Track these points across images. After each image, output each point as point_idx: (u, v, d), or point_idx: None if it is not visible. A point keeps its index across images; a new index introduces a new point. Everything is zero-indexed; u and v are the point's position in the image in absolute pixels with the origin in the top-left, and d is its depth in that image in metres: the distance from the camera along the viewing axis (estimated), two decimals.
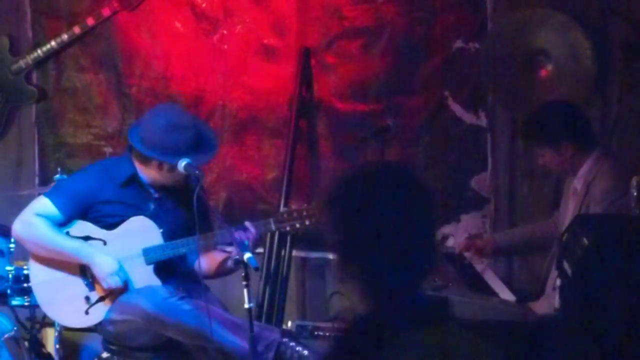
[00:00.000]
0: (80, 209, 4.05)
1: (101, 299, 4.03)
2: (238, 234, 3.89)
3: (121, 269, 4.00)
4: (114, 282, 3.98)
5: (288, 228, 4.10)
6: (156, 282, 4.05)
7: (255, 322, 4.09)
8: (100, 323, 4.06)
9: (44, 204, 4.04)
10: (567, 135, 4.20)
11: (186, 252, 4.05)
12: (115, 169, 4.12)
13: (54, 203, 4.02)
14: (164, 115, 4.05)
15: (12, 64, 5.58)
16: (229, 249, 4.14)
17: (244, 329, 3.77)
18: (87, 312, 4.04)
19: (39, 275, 4.10)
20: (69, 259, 4.03)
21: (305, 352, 3.91)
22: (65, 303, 4.06)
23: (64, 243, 4.01)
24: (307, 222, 4.08)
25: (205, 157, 4.16)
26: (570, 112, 4.29)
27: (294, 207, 4.15)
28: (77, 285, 4.05)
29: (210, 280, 4.25)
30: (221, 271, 4.13)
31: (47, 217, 4.01)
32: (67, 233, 4.05)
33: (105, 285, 4.01)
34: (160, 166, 4.03)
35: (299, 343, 3.98)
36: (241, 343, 3.80)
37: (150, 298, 3.94)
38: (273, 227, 4.09)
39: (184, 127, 4.01)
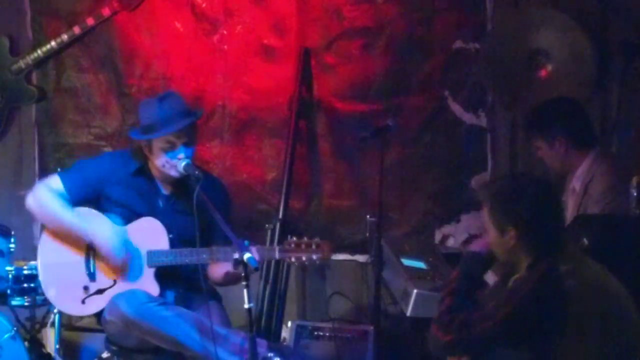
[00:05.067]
0: (88, 193, 4.07)
1: (99, 292, 4.03)
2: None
3: (124, 243, 3.98)
4: (118, 256, 3.97)
5: (293, 259, 3.95)
6: (155, 286, 4.03)
7: (239, 332, 3.98)
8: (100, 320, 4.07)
9: (54, 181, 4.08)
10: (561, 131, 4.22)
11: (189, 263, 4.00)
12: (127, 159, 4.15)
13: (63, 182, 4.06)
14: (146, 102, 4.17)
15: (12, 64, 5.58)
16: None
17: (226, 340, 3.77)
18: (83, 302, 4.03)
19: (46, 256, 4.10)
20: (72, 233, 4.02)
21: None
22: (64, 288, 4.05)
23: (67, 216, 4.01)
24: (314, 257, 3.94)
25: (186, 122, 4.05)
26: (569, 108, 4.30)
27: (305, 238, 3.98)
28: (79, 273, 4.04)
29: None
30: (225, 281, 4.09)
31: (57, 194, 4.04)
32: None
33: (110, 260, 3.99)
34: (162, 146, 4.02)
35: (285, 358, 3.94)
36: (220, 354, 3.76)
37: (129, 301, 3.92)
38: (277, 255, 4.02)
39: (161, 99, 4.07)
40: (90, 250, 4.05)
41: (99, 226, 4.01)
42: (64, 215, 4.02)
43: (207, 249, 3.94)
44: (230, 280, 4.01)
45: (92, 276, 4.04)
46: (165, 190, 4.14)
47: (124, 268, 4.01)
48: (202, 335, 3.83)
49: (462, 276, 3.35)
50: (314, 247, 3.93)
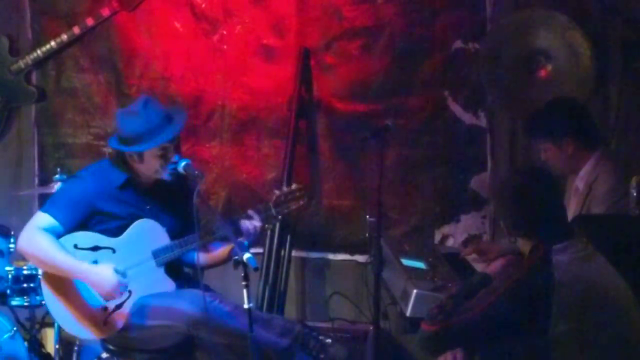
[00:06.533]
0: (80, 217, 4.01)
1: (118, 307, 3.99)
2: (243, 225, 3.98)
3: (122, 275, 3.97)
4: (115, 294, 3.95)
5: (286, 211, 4.15)
6: (170, 283, 4.05)
7: (278, 316, 4.39)
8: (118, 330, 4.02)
9: (44, 219, 3.98)
10: (569, 132, 4.22)
11: (194, 248, 4.04)
12: (110, 173, 4.09)
13: (54, 216, 3.98)
14: (128, 112, 4.09)
15: (12, 64, 5.58)
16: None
17: (273, 325, 3.91)
18: (105, 323, 3.99)
19: (52, 297, 4.03)
20: (68, 276, 3.98)
21: (328, 340, 3.96)
22: (84, 318, 4.00)
23: (62, 261, 3.94)
24: (301, 202, 4.15)
25: (177, 127, 4.07)
26: (574, 109, 4.30)
27: (285, 189, 4.18)
28: (92, 297, 4.00)
29: (206, 278, 4.24)
30: (228, 258, 4.14)
31: (50, 231, 3.97)
32: (76, 246, 4.00)
33: (106, 300, 3.97)
34: (156, 154, 4.01)
35: (320, 333, 4.05)
36: (276, 339, 3.89)
37: (195, 302, 3.91)
38: (273, 211, 4.12)
39: (145, 107, 4.02)
40: None
41: (90, 271, 3.95)
42: (61, 258, 3.93)
43: (205, 230, 4.00)
44: (221, 261, 4.17)
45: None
46: (149, 195, 4.12)
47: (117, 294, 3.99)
48: (253, 322, 3.85)
49: (464, 287, 3.39)
50: (297, 193, 4.17)
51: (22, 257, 4.76)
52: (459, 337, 3.20)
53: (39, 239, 3.95)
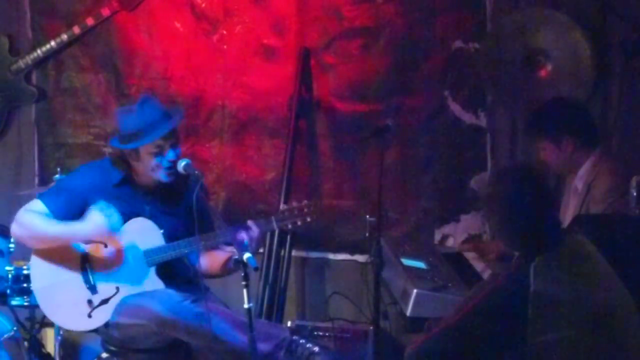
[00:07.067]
0: (73, 208, 4.03)
1: (104, 302, 4.01)
2: (240, 234, 3.92)
3: (113, 223, 3.95)
4: (113, 232, 3.96)
5: (290, 226, 4.10)
6: (159, 284, 4.04)
7: (263, 321, 4.31)
8: (105, 326, 4.03)
9: (35, 205, 4.04)
10: (569, 131, 4.22)
11: (188, 252, 4.05)
12: (108, 171, 4.11)
13: (45, 203, 4.02)
14: (125, 110, 4.14)
15: (11, 64, 5.58)
16: (229, 248, 4.14)
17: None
18: (90, 316, 4.01)
19: (40, 280, 4.07)
20: (64, 243, 4.00)
21: (316, 349, 3.94)
22: (67, 307, 4.03)
23: (54, 227, 3.97)
24: (308, 219, 4.09)
25: (172, 123, 4.07)
26: (574, 109, 4.31)
27: (294, 204, 4.12)
28: (79, 288, 4.02)
29: (208, 280, 4.24)
30: (224, 271, 4.13)
31: (41, 215, 4.01)
32: None
33: (109, 240, 3.98)
34: (151, 151, 4.01)
35: (308, 340, 4.01)
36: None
37: (164, 302, 3.93)
38: (275, 225, 4.09)
39: (141, 105, 4.04)
40: (85, 264, 4.03)
41: (88, 219, 3.97)
42: (52, 226, 3.98)
43: (202, 235, 3.97)
44: (226, 271, 4.11)
45: (93, 289, 4.02)
46: (149, 195, 4.12)
47: (121, 250, 4.00)
48: (232, 325, 3.86)
49: None
50: (305, 210, 4.08)
51: (22, 257, 4.78)
52: (438, 350, 3.16)
53: (26, 218, 4.01)
